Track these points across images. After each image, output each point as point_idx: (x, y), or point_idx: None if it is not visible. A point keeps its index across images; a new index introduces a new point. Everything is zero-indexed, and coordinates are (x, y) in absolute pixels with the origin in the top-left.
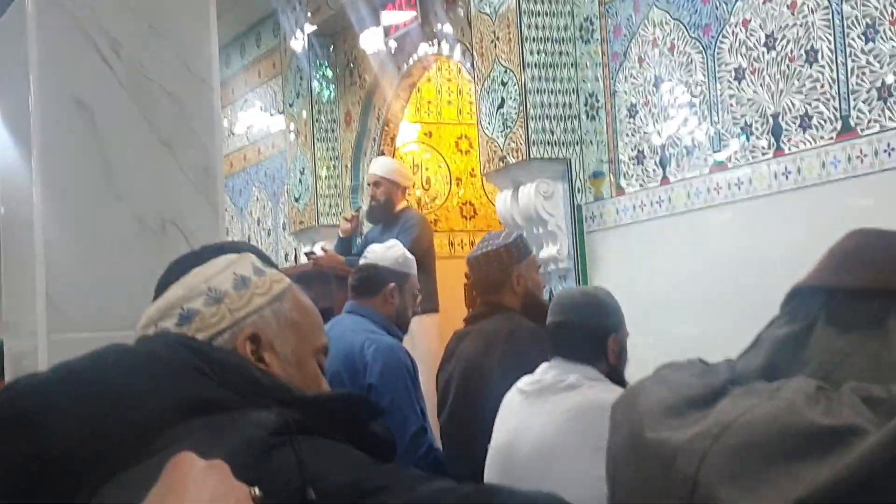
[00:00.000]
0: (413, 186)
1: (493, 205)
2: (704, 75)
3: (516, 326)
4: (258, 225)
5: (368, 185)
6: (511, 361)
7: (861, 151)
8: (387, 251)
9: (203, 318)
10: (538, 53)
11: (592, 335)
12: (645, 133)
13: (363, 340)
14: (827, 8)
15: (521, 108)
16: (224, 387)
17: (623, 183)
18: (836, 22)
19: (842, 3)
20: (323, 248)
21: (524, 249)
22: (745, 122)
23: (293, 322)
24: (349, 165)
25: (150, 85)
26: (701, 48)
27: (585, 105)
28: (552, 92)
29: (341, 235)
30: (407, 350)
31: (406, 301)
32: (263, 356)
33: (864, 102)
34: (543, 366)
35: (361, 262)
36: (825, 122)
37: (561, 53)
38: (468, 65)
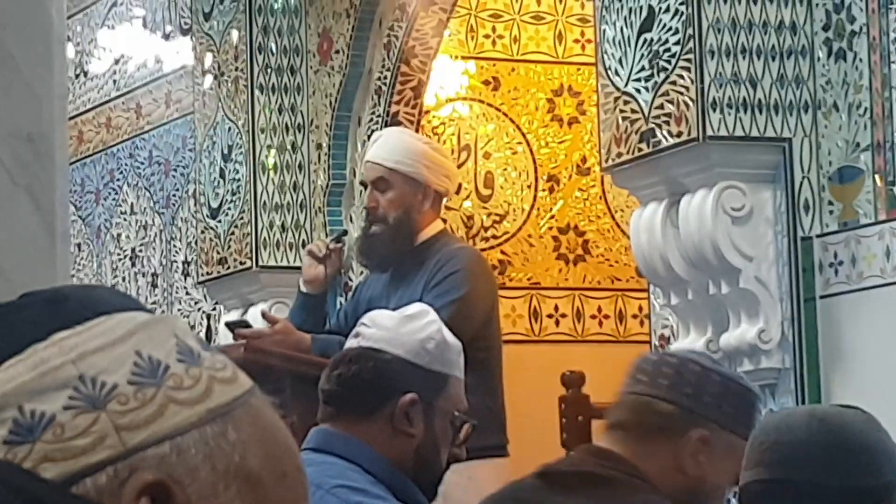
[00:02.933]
0: (456, 191)
1: (624, 232)
2: None
3: None
4: (131, 262)
5: (363, 185)
6: None
7: None
8: (403, 325)
9: (62, 432)
10: None
11: None
12: None
13: None
14: None
15: (691, 28)
16: None
17: None
18: None
19: None
20: (266, 317)
21: (731, 411)
22: None
23: (247, 474)
24: (325, 145)
25: None
26: None
27: (827, 29)
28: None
29: (304, 290)
30: None
31: (437, 432)
32: None
33: None
34: None
35: (350, 343)
36: None
37: None
38: None
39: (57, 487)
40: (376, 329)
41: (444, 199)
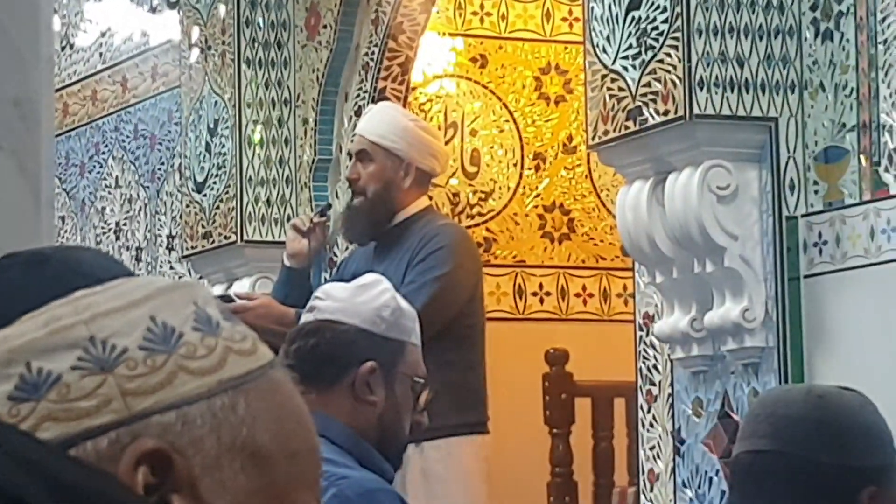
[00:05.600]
0: (441, 168)
1: (610, 211)
2: None
3: None
4: (115, 235)
5: (349, 156)
6: None
7: None
8: (357, 295)
9: (67, 393)
10: None
11: (830, 486)
12: None
13: None
14: None
15: (679, 6)
16: None
17: (890, 174)
18: None
19: None
20: (240, 297)
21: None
22: None
23: (254, 449)
24: (311, 120)
25: None
26: None
27: (815, 9)
28: None
29: (288, 264)
30: (399, 496)
31: (398, 398)
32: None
33: None
34: None
35: (306, 317)
36: None
37: None
38: None
39: (54, 450)
40: (331, 301)
41: (431, 178)
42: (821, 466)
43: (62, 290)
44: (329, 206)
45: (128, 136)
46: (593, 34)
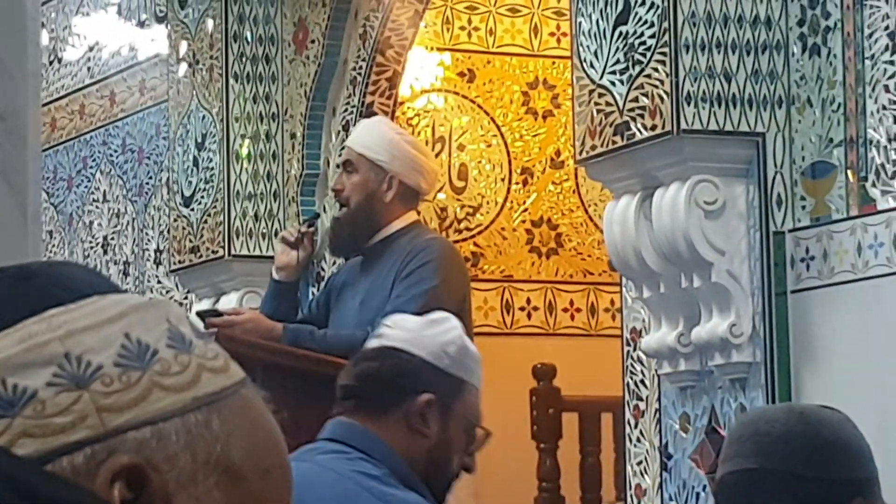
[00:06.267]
0: (428, 185)
1: (597, 226)
2: None
3: None
4: (103, 249)
5: (337, 167)
6: None
7: None
8: (425, 328)
9: (42, 409)
10: None
11: (818, 500)
12: None
13: (357, 495)
14: None
15: (666, 22)
16: None
17: (878, 190)
18: None
19: None
20: (232, 311)
21: None
22: None
23: (227, 465)
24: (299, 134)
25: None
26: None
27: (802, 24)
28: None
29: (277, 277)
30: None
31: (451, 436)
32: None
33: None
34: None
35: (372, 343)
36: None
37: None
38: None
39: (30, 464)
40: (399, 330)
41: (419, 195)
42: (808, 481)
43: (47, 305)
44: (317, 215)
45: (116, 151)
46: (581, 49)
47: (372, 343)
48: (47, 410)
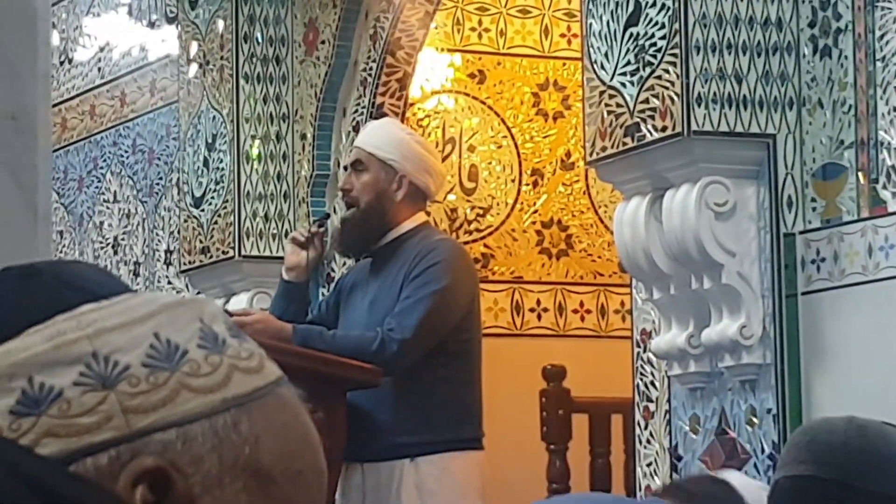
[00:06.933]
0: (436, 187)
1: (608, 227)
2: None
3: None
4: (113, 250)
5: (345, 168)
6: None
7: None
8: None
9: (68, 408)
10: None
11: None
12: None
13: None
14: None
15: (677, 23)
16: None
17: (888, 192)
18: None
19: None
20: (241, 312)
21: None
22: None
23: (256, 468)
24: (310, 135)
25: None
26: None
27: (813, 26)
28: None
29: (286, 278)
30: None
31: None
32: None
33: None
34: None
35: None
36: None
37: None
38: None
39: (54, 465)
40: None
41: (427, 196)
42: (860, 493)
43: (55, 303)
44: (327, 216)
45: (126, 151)
46: (591, 50)
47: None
48: (73, 410)
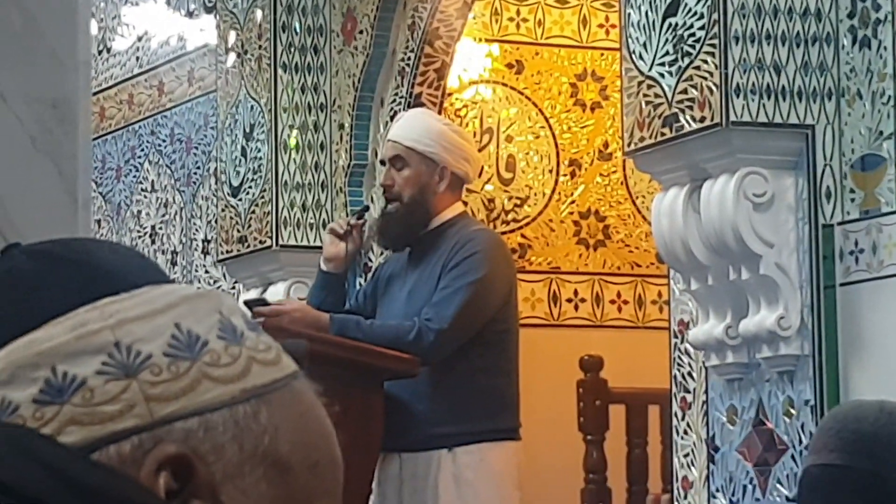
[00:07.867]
0: (474, 173)
1: (645, 218)
2: None
3: None
4: (151, 239)
5: (382, 163)
6: None
7: None
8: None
9: (91, 397)
10: None
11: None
12: None
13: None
14: None
15: (716, 13)
16: None
17: None
18: None
19: None
20: (277, 302)
21: None
22: None
23: (275, 458)
24: (347, 125)
25: None
26: None
27: (852, 16)
28: None
29: (325, 269)
30: None
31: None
32: None
33: None
34: None
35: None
36: None
37: None
38: None
39: (76, 454)
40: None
41: (465, 184)
42: (889, 482)
43: (78, 284)
44: (366, 208)
45: (164, 140)
46: (630, 41)
47: None
48: (96, 398)
